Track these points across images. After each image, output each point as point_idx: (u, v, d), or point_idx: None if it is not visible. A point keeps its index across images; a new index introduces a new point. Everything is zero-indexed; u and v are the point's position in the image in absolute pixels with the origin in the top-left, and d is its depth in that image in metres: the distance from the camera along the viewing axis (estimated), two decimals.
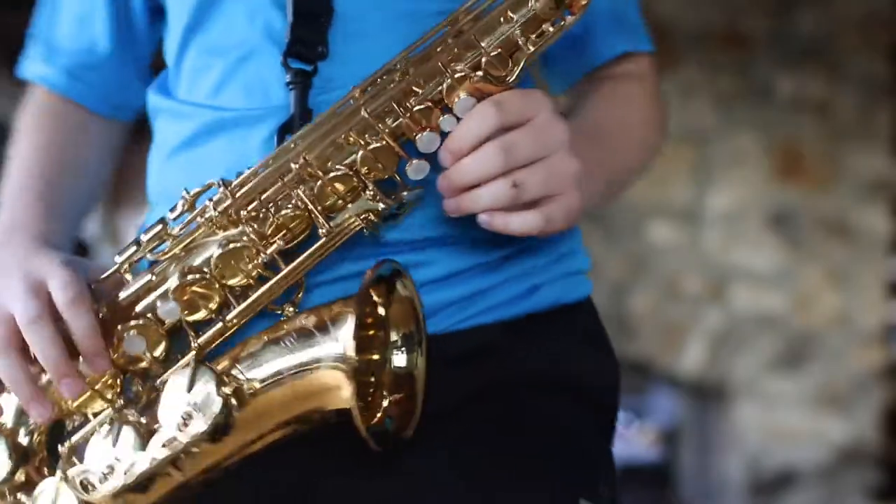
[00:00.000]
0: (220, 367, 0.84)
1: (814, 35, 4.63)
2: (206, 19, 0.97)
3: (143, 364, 0.87)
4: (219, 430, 0.81)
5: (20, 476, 0.90)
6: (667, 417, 5.16)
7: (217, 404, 0.80)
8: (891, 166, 4.70)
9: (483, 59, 0.86)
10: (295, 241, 0.87)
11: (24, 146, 1.07)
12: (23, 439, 0.91)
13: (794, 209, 4.74)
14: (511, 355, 0.94)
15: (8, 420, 0.92)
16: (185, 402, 0.81)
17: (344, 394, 0.79)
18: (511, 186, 0.84)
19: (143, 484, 0.83)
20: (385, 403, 0.85)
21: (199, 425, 0.80)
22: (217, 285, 0.86)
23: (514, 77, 0.86)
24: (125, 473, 0.82)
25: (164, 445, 0.82)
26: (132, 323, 0.86)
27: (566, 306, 0.97)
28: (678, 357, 4.78)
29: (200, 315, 0.87)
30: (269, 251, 0.86)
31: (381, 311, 0.86)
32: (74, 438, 0.88)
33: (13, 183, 1.04)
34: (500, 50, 0.86)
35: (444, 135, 0.86)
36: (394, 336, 0.86)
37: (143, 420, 0.85)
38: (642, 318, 4.53)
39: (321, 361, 0.80)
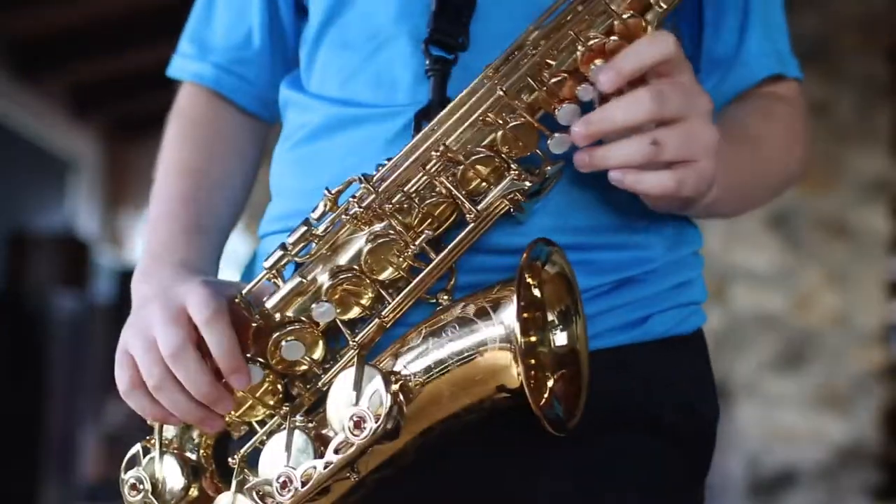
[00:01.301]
0: (383, 365, 0.82)
1: (814, 35, 4.65)
2: (340, 14, 0.97)
3: (303, 368, 0.86)
4: (392, 430, 0.79)
5: (193, 492, 0.89)
6: None
7: (387, 404, 0.78)
8: (891, 166, 4.72)
9: (616, 23, 0.83)
10: (441, 230, 0.86)
11: (168, 161, 1.05)
12: (190, 455, 0.90)
13: (794, 209, 4.76)
14: (609, 386, 0.89)
15: (172, 436, 0.91)
16: (354, 405, 0.79)
17: (512, 373, 0.78)
18: (650, 143, 0.80)
19: (322, 489, 0.82)
20: (550, 384, 0.83)
21: (371, 426, 0.78)
22: (369, 281, 0.85)
23: None
24: (303, 482, 0.81)
25: (337, 451, 0.80)
26: (288, 328, 0.85)
27: (675, 338, 0.94)
28: None
29: (354, 313, 0.86)
30: (417, 242, 0.84)
31: (537, 292, 0.84)
32: (244, 449, 0.87)
33: (156, 205, 1.02)
34: (631, 11, 0.83)
35: (582, 105, 0.83)
36: (550, 317, 0.84)
37: (312, 424, 0.84)
38: None
39: (486, 345, 0.79)
